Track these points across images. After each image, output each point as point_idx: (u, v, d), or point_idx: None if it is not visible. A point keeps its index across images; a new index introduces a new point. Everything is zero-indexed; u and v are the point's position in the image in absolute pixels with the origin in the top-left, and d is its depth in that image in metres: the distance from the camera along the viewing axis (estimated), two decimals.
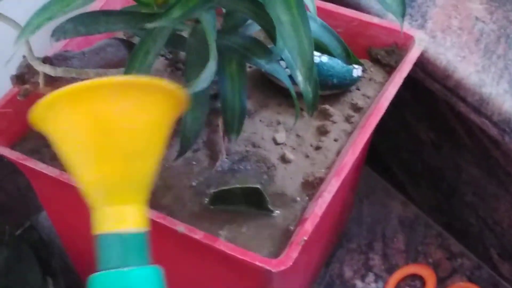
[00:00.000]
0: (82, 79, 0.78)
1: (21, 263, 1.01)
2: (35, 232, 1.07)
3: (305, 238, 0.70)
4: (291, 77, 0.73)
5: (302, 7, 0.58)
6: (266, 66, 0.71)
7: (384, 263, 1.11)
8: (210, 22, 0.64)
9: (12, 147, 0.82)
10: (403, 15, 0.66)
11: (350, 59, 0.76)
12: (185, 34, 0.74)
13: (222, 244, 0.70)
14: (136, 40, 0.89)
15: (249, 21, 0.76)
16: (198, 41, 0.66)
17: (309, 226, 0.71)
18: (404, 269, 1.10)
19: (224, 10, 0.73)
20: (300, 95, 0.74)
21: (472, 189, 1.03)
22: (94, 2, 0.57)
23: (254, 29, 0.78)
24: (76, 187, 0.74)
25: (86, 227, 0.89)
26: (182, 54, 0.92)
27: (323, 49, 0.74)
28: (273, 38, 0.67)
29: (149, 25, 0.58)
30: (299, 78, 0.62)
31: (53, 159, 0.81)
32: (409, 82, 0.86)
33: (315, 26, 0.69)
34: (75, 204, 0.85)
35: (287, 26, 0.58)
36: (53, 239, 1.10)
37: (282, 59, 0.76)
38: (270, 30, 0.67)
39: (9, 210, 1.07)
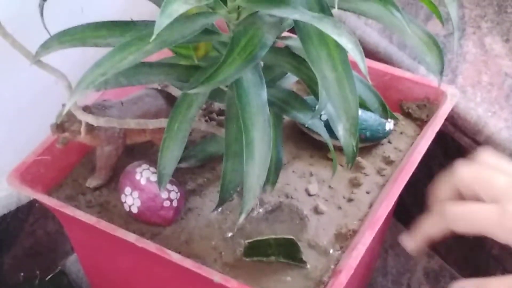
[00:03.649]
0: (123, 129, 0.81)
1: None
2: (65, 277, 1.08)
3: None
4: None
5: (347, 64, 0.60)
6: (306, 120, 0.72)
7: None
8: (251, 82, 0.65)
9: (49, 193, 0.83)
10: (441, 72, 0.67)
11: (386, 113, 0.77)
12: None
13: None
14: (171, 89, 0.90)
15: (287, 74, 0.78)
16: (237, 96, 0.67)
17: (343, 278, 0.72)
18: None
19: (262, 64, 0.74)
20: (335, 148, 0.75)
21: (499, 243, 1.03)
22: (145, 57, 0.58)
23: (291, 81, 0.80)
24: (111, 235, 0.76)
25: (117, 273, 0.91)
26: (216, 105, 0.94)
27: (360, 104, 0.75)
28: (314, 93, 0.68)
29: (193, 91, 0.59)
30: (341, 132, 0.63)
31: (89, 206, 0.82)
32: (439, 135, 0.86)
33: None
34: (108, 251, 0.86)
35: (332, 82, 0.59)
36: (79, 284, 1.10)
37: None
38: (311, 84, 0.68)
39: (39, 254, 1.08)
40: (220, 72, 0.60)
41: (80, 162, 0.88)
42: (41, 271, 1.07)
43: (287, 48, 0.72)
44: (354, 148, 0.66)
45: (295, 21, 0.61)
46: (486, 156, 0.69)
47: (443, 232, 0.68)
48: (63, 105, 0.77)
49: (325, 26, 0.56)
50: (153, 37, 0.52)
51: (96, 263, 0.93)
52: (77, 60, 0.79)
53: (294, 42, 0.71)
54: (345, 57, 0.60)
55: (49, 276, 1.08)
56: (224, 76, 0.60)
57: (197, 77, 0.66)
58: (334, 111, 0.65)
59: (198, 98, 0.68)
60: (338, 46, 0.60)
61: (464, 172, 0.67)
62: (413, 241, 0.70)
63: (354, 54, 0.54)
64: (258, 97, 0.65)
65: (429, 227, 0.69)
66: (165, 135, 0.68)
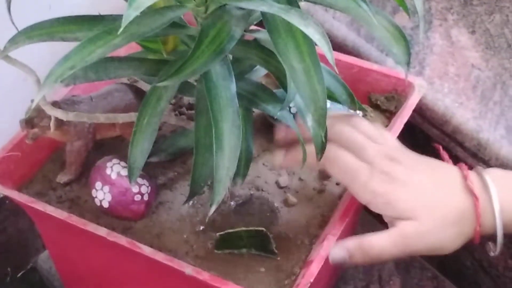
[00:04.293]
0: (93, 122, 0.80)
1: None
2: (37, 274, 1.07)
3: (311, 280, 0.71)
4: None
5: (314, 54, 0.60)
6: (275, 112, 0.72)
7: None
8: (220, 75, 0.66)
9: (19, 190, 0.83)
10: (408, 63, 0.68)
11: (354, 105, 0.78)
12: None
13: (230, 286, 0.71)
14: (141, 84, 0.90)
15: (256, 67, 0.78)
16: (207, 89, 0.67)
17: (315, 268, 0.72)
18: None
19: (231, 57, 0.74)
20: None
21: None
22: (114, 51, 0.58)
23: (260, 74, 0.80)
24: (83, 230, 0.76)
25: (90, 269, 0.91)
26: (186, 99, 0.94)
27: (328, 95, 0.76)
28: (283, 85, 0.68)
29: (161, 84, 0.60)
30: (310, 123, 0.63)
31: (59, 201, 0.82)
32: (407, 126, 0.87)
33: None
34: (80, 246, 0.86)
35: (300, 73, 0.59)
36: (51, 281, 1.10)
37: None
38: (280, 76, 0.69)
39: (10, 252, 1.07)
40: (189, 64, 0.60)
41: (50, 158, 0.88)
42: (12, 268, 1.07)
43: (255, 41, 0.72)
44: (323, 139, 0.67)
45: (263, 13, 0.62)
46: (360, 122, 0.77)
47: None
48: (32, 101, 0.77)
49: (292, 18, 0.56)
50: (121, 29, 0.52)
51: (68, 259, 0.93)
52: (45, 56, 0.79)
53: (262, 35, 0.71)
54: (313, 49, 0.60)
55: (20, 273, 1.07)
56: (193, 68, 0.60)
57: (166, 70, 0.66)
58: (303, 102, 0.65)
59: (167, 91, 0.69)
60: (305, 37, 0.60)
61: (342, 131, 0.76)
62: None
63: (321, 44, 0.55)
64: (227, 90, 0.65)
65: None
66: (135, 129, 0.68)
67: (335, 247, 0.74)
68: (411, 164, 0.76)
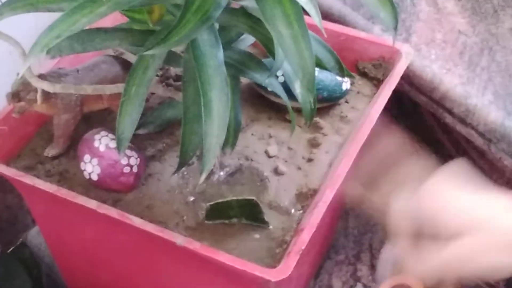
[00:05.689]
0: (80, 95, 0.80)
1: (13, 280, 1.01)
2: (27, 250, 1.07)
3: (303, 247, 0.71)
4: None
5: (302, 20, 0.60)
6: (262, 80, 0.72)
7: (372, 274, 1.12)
8: (207, 43, 0.65)
9: (7, 164, 0.83)
10: (395, 27, 0.67)
11: (342, 71, 0.78)
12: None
13: (222, 256, 0.71)
14: (127, 56, 0.90)
15: (243, 36, 0.78)
16: (194, 58, 0.67)
17: (306, 236, 0.73)
18: (392, 279, 1.11)
19: (217, 26, 0.74)
20: (293, 109, 0.75)
21: None
22: (99, 20, 0.58)
23: (247, 44, 0.80)
24: (72, 203, 0.75)
25: (80, 243, 0.90)
26: (173, 71, 0.93)
27: (316, 62, 0.76)
28: (271, 52, 0.68)
29: (148, 53, 0.59)
30: (298, 90, 0.63)
31: (48, 175, 0.82)
32: (395, 94, 0.87)
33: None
34: (70, 220, 0.86)
35: (288, 39, 0.59)
36: (41, 257, 1.10)
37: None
38: (267, 44, 0.68)
39: None
40: (176, 33, 0.60)
41: (38, 131, 0.87)
42: (2, 244, 1.07)
43: (242, 8, 0.72)
44: (312, 105, 0.67)
45: None
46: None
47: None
48: (18, 74, 0.77)
49: None
50: None
51: (58, 234, 0.93)
52: (30, 29, 0.78)
53: (249, 2, 0.70)
54: (300, 14, 0.60)
55: (10, 249, 1.07)
56: (179, 36, 0.60)
57: (153, 39, 0.66)
58: (291, 68, 0.65)
59: (154, 60, 0.68)
60: (292, 2, 0.60)
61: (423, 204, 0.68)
62: None
63: (308, 8, 0.54)
64: (214, 58, 0.65)
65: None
66: (123, 99, 0.68)
67: None
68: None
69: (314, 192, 0.80)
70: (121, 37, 0.72)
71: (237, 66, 0.74)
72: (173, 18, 0.73)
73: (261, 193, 0.80)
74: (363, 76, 0.94)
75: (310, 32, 0.62)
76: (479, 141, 0.91)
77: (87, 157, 0.79)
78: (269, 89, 0.81)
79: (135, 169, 0.79)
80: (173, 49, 0.75)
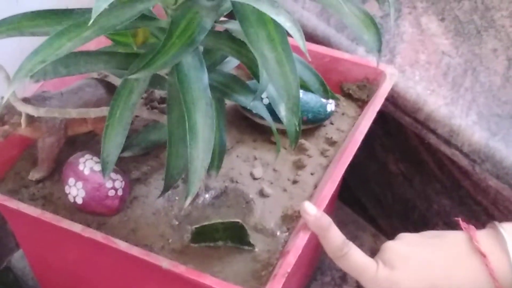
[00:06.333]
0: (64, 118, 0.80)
1: None
2: (11, 273, 1.07)
3: (288, 270, 0.71)
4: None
5: (286, 43, 0.60)
6: (247, 102, 0.72)
7: None
8: (192, 66, 0.65)
9: None
10: (379, 50, 0.68)
11: (327, 93, 0.78)
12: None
13: (207, 279, 0.71)
14: (111, 79, 0.90)
15: (227, 58, 0.78)
16: (179, 80, 0.67)
17: (291, 258, 0.72)
18: None
19: (202, 48, 0.74)
20: (278, 131, 0.75)
21: (443, 219, 1.05)
22: (84, 44, 0.58)
23: (232, 66, 0.80)
24: (57, 227, 0.75)
25: (65, 266, 0.90)
26: (157, 93, 0.93)
27: (300, 84, 0.76)
28: (255, 75, 0.68)
29: (132, 77, 0.59)
30: (283, 113, 0.63)
31: (32, 199, 0.82)
32: (380, 115, 0.88)
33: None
34: (54, 244, 0.85)
35: (272, 63, 0.59)
36: (25, 280, 1.09)
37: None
38: (252, 66, 0.68)
39: None
40: (160, 56, 0.60)
41: (22, 155, 0.87)
42: None
43: (226, 31, 0.72)
44: (297, 128, 0.67)
45: (233, 3, 0.61)
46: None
47: None
48: (2, 98, 0.76)
49: (262, 6, 0.56)
50: (91, 21, 0.51)
51: (42, 257, 0.92)
52: (14, 52, 0.78)
53: (233, 25, 0.71)
54: (284, 37, 0.60)
55: None
56: (164, 60, 0.60)
57: (137, 63, 0.66)
58: (275, 91, 0.65)
59: (139, 84, 0.68)
60: (276, 26, 0.60)
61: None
62: None
63: (293, 32, 0.54)
64: (199, 81, 0.65)
65: None
66: (107, 123, 0.68)
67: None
68: (414, 240, 0.77)
69: (300, 214, 0.80)
70: (105, 61, 0.72)
71: (221, 88, 0.74)
72: (158, 41, 0.74)
73: (246, 215, 0.80)
74: (347, 98, 0.94)
75: (294, 54, 0.62)
76: (463, 162, 0.92)
77: (71, 181, 0.79)
78: (254, 111, 0.81)
79: (120, 192, 0.79)
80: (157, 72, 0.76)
